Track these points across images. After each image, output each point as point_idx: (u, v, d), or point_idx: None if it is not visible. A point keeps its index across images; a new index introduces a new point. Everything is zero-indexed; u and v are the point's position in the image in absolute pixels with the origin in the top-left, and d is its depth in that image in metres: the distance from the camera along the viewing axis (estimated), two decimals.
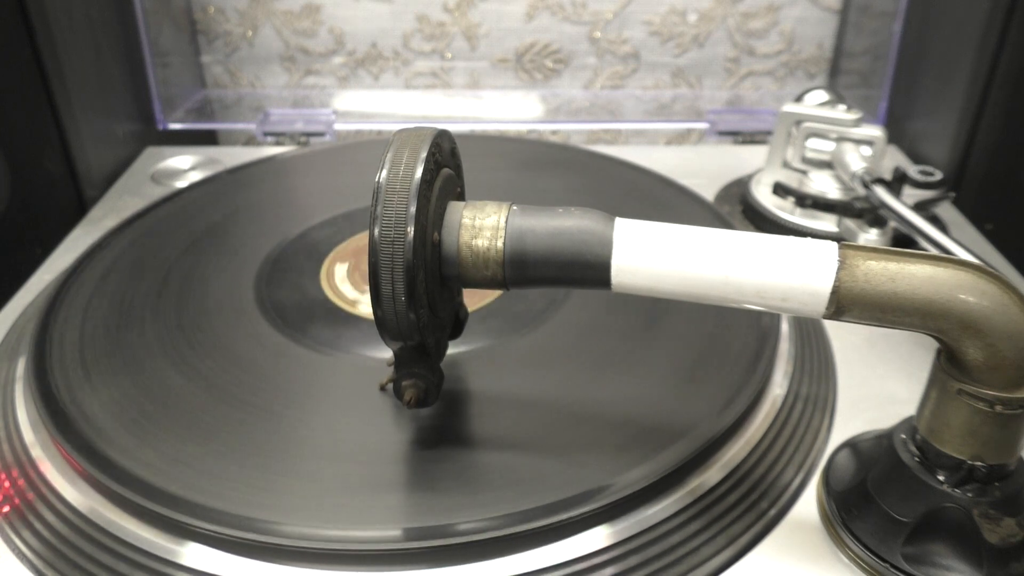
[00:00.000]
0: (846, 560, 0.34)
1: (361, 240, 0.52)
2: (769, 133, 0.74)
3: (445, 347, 0.37)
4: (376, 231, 0.30)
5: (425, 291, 0.32)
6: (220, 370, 0.41)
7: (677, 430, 0.36)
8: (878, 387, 0.43)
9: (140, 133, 0.74)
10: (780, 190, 0.58)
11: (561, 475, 0.34)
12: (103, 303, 0.46)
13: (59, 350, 0.42)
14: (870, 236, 0.53)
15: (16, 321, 0.49)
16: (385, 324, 0.32)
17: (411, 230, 0.30)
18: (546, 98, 0.85)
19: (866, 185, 0.52)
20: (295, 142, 0.74)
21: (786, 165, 0.59)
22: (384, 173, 0.31)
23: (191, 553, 0.33)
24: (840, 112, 0.57)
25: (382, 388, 0.39)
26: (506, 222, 0.32)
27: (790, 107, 0.58)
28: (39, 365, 0.41)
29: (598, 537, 0.33)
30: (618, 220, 0.32)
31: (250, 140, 0.88)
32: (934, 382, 0.31)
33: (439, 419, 0.38)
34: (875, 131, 0.56)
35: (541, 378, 0.40)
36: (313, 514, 0.33)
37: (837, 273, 0.29)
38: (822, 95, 0.60)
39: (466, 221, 0.32)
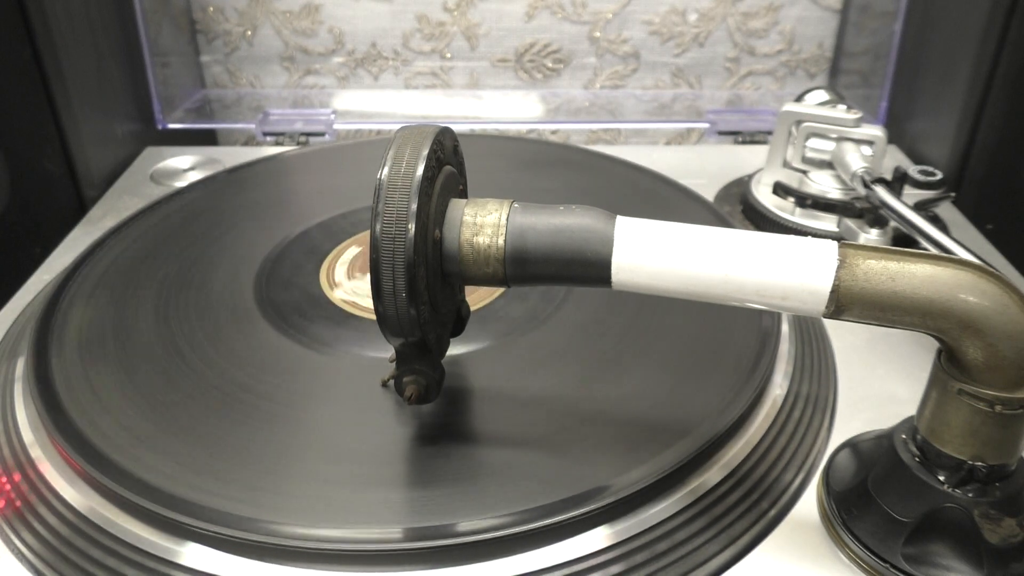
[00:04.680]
0: (846, 560, 0.34)
1: (362, 239, 0.52)
2: (769, 133, 0.74)
3: (447, 344, 0.37)
4: (377, 228, 0.30)
5: (426, 287, 0.32)
6: (220, 370, 0.41)
7: (677, 430, 0.36)
8: (878, 387, 0.43)
9: (140, 133, 0.74)
10: (780, 190, 0.58)
11: (561, 475, 0.34)
12: (102, 303, 0.46)
13: (58, 350, 0.42)
14: (870, 236, 0.53)
15: (16, 321, 0.49)
16: (386, 320, 0.32)
17: (412, 227, 0.30)
18: (546, 98, 0.85)
19: (866, 185, 0.52)
20: (295, 142, 0.74)
21: (786, 165, 0.59)
22: (386, 170, 0.31)
23: (191, 553, 0.33)
24: (840, 112, 0.57)
25: (384, 384, 0.39)
26: (507, 219, 0.32)
27: (790, 107, 0.58)
28: (39, 365, 0.41)
29: (598, 537, 0.33)
30: (619, 218, 0.32)
31: (250, 140, 0.88)
32: (934, 382, 0.31)
33: (439, 419, 0.38)
34: (875, 131, 0.56)
35: (541, 378, 0.40)
36: (313, 514, 0.33)
37: (837, 272, 0.29)
38: (822, 95, 0.60)
39: (467, 218, 0.32)
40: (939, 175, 0.55)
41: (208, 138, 0.87)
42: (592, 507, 0.32)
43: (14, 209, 0.61)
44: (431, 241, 0.32)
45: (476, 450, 0.36)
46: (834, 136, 0.57)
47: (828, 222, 0.56)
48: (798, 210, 0.57)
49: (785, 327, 0.44)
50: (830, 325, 0.47)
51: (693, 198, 0.57)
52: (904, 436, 0.33)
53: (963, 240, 0.47)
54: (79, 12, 0.64)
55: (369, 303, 0.45)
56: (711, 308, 0.37)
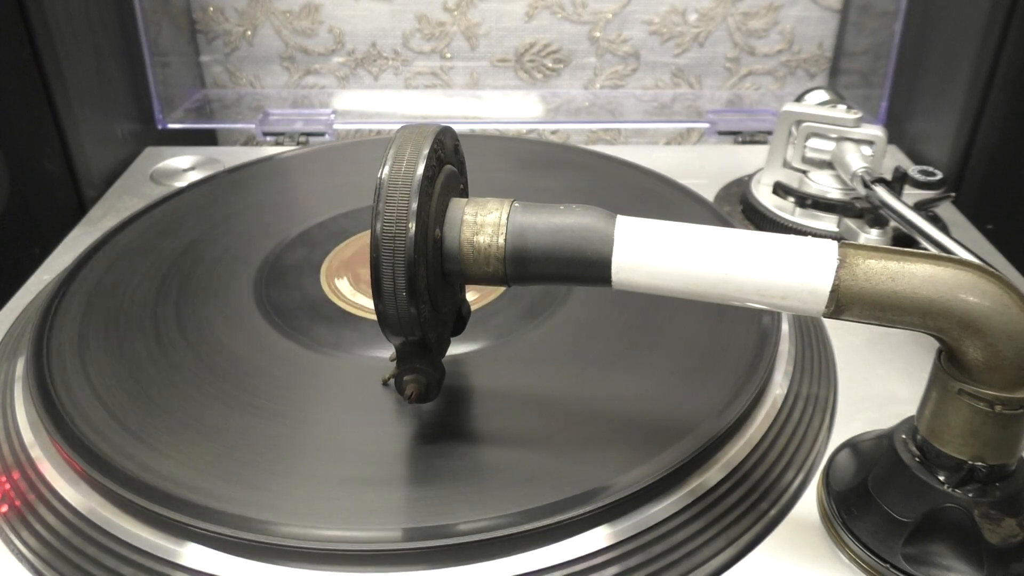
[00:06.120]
0: (846, 560, 0.34)
1: (361, 239, 0.52)
2: (769, 133, 0.74)
3: (447, 343, 0.37)
4: (378, 227, 0.30)
5: (426, 287, 0.32)
6: (219, 370, 0.41)
7: (678, 430, 0.36)
8: (878, 387, 0.43)
9: (139, 133, 0.74)
10: (780, 190, 0.58)
11: (562, 475, 0.34)
12: (102, 303, 0.46)
13: (59, 350, 0.42)
14: (870, 236, 0.53)
15: (16, 321, 0.49)
16: (386, 319, 0.32)
17: (412, 226, 0.30)
18: (546, 98, 0.85)
19: (867, 185, 0.52)
20: (295, 142, 0.74)
21: (786, 165, 0.59)
22: (386, 169, 0.31)
23: (190, 553, 0.33)
24: (840, 112, 0.57)
25: (384, 383, 0.39)
26: (507, 219, 0.32)
27: (790, 107, 0.58)
28: (39, 365, 0.41)
29: (598, 537, 0.33)
30: (619, 217, 0.32)
31: (249, 140, 0.88)
32: (934, 382, 0.31)
33: (439, 418, 0.38)
34: (876, 131, 0.56)
35: (542, 377, 0.40)
36: (312, 514, 0.33)
37: (837, 271, 0.29)
38: (822, 95, 0.60)
39: (468, 218, 0.32)
40: (939, 175, 0.55)
41: (208, 138, 0.87)
42: (592, 507, 0.32)
43: (14, 209, 0.61)
44: (431, 240, 0.32)
45: (476, 450, 0.36)
46: (834, 136, 0.57)
47: (828, 222, 0.56)
48: (798, 210, 0.57)
49: (785, 327, 0.44)
50: (830, 325, 0.47)
51: (693, 198, 0.57)
52: (904, 436, 0.33)
53: (963, 240, 0.47)
54: (79, 12, 0.64)
55: (369, 303, 0.45)
56: (711, 308, 0.37)
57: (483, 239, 0.32)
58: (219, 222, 0.55)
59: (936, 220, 0.57)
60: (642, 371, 0.40)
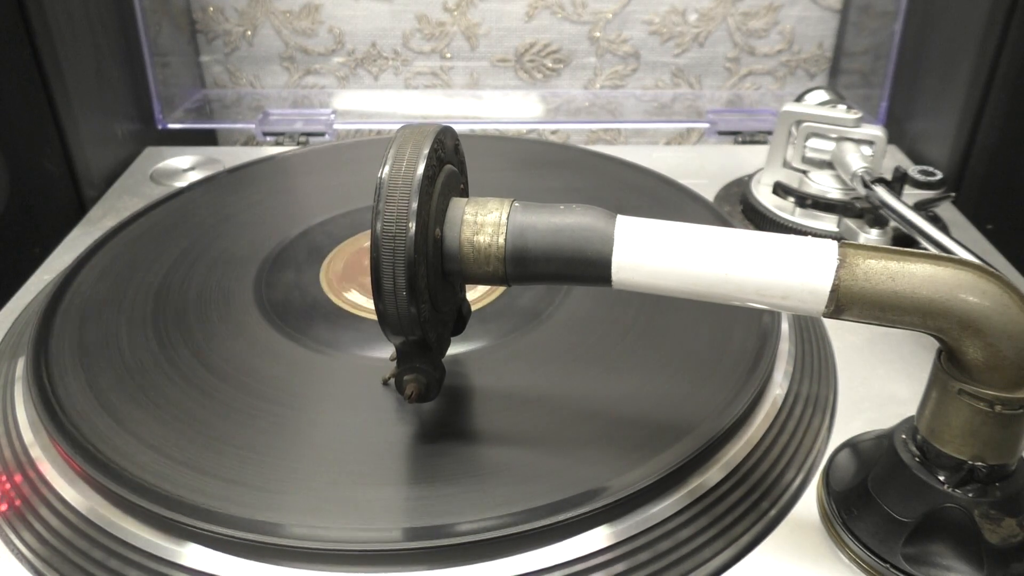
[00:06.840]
0: (846, 560, 0.34)
1: (361, 240, 0.52)
2: (769, 133, 0.74)
3: (447, 343, 0.37)
4: (378, 226, 0.31)
5: (427, 286, 0.32)
6: (219, 370, 0.41)
7: (678, 430, 0.36)
8: (878, 387, 0.43)
9: (139, 133, 0.74)
10: (780, 190, 0.58)
11: (562, 475, 0.34)
12: (102, 303, 0.46)
13: (59, 350, 0.42)
14: (870, 236, 0.53)
15: (16, 321, 0.49)
16: (387, 319, 0.32)
17: (412, 226, 0.30)
18: (546, 98, 0.85)
19: (867, 185, 0.52)
20: (295, 142, 0.74)
21: (786, 165, 0.59)
22: (387, 169, 0.31)
23: (191, 554, 0.33)
24: (840, 112, 0.57)
25: (384, 383, 0.39)
26: (507, 218, 0.32)
27: (790, 107, 0.58)
28: (39, 365, 0.41)
29: (598, 537, 0.33)
30: (619, 217, 0.32)
31: (249, 140, 0.88)
32: (934, 382, 0.31)
33: (440, 418, 0.38)
34: (876, 131, 0.56)
35: (542, 377, 0.40)
36: (312, 514, 0.33)
37: (837, 271, 0.29)
38: (822, 95, 0.60)
39: (468, 217, 0.32)
40: (939, 175, 0.55)
41: (208, 138, 0.87)
42: (592, 507, 0.32)
43: (14, 209, 0.61)
44: (432, 240, 0.32)
45: (476, 449, 0.36)
46: (834, 136, 0.57)
47: (828, 222, 0.56)
48: (798, 210, 0.57)
49: (785, 326, 0.44)
50: (830, 325, 0.47)
51: (693, 198, 0.57)
52: (904, 436, 0.33)
53: (963, 240, 0.47)
54: (79, 12, 0.64)
55: (369, 303, 0.45)
56: (711, 308, 0.37)
57: (483, 239, 0.32)
58: (219, 222, 0.55)
59: (936, 220, 0.57)
60: (642, 371, 0.40)
